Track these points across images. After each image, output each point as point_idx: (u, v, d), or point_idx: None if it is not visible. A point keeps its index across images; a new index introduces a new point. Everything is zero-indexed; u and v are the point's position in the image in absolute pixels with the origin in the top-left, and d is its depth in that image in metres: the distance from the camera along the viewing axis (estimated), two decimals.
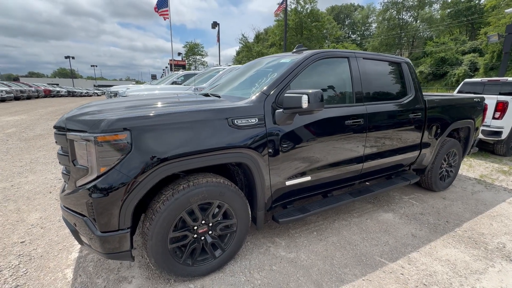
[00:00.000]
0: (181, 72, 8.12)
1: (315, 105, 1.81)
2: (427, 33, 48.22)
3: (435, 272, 2.06)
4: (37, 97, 25.37)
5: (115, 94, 5.98)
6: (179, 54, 38.12)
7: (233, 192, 1.89)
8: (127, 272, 1.98)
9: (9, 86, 21.09)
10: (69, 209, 1.66)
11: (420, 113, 2.95)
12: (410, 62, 3.12)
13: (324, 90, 2.39)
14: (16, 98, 21.09)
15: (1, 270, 1.96)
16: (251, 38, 51.00)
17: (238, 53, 54.12)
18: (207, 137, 1.70)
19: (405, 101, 2.88)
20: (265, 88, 2.07)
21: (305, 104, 1.80)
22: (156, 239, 1.66)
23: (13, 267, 2.01)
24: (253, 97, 2.02)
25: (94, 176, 1.50)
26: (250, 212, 2.04)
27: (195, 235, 1.85)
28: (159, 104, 1.96)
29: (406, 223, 2.79)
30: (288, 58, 2.42)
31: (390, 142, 2.79)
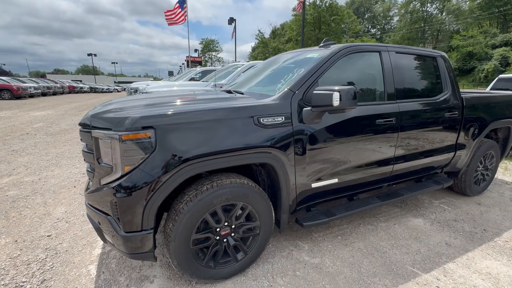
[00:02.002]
0: (199, 69, 8.14)
1: (347, 103, 1.68)
2: (454, 26, 45.59)
3: (475, 286, 1.89)
4: (62, 93, 26.56)
5: (135, 91, 6.09)
6: (196, 50, 38.53)
7: (257, 193, 1.81)
8: (149, 271, 1.97)
9: (37, 83, 22.21)
10: (94, 207, 1.65)
11: (456, 112, 2.73)
12: (446, 56, 2.89)
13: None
14: (43, 94, 22.16)
15: (30, 264, 2.01)
16: (267, 33, 50.55)
17: (253, 49, 53.89)
18: (231, 136, 1.62)
19: (441, 99, 2.66)
20: (291, 85, 1.96)
21: (336, 102, 1.68)
22: (179, 240, 1.62)
23: (40, 260, 2.05)
24: (280, 95, 1.92)
25: (119, 175, 1.46)
26: (274, 214, 1.96)
27: (218, 237, 1.80)
28: (182, 102, 1.91)
29: (439, 230, 2.60)
30: (315, 53, 2.29)
31: (423, 143, 2.60)
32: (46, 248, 2.20)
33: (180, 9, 14.68)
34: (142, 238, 1.54)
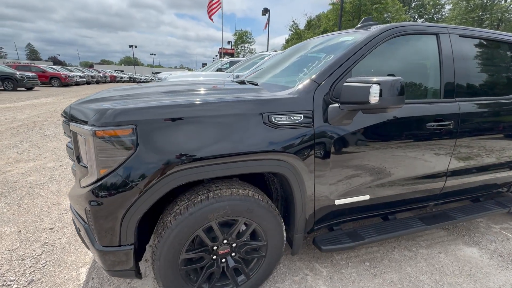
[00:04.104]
0: (226, 59, 7.88)
1: (390, 100, 1.23)
2: None
3: None
4: (104, 82, 28.46)
5: (159, 79, 6.04)
6: (229, 42, 38.57)
7: (264, 209, 1.47)
8: (139, 283, 1.74)
9: (82, 72, 24.04)
10: (74, 211, 1.44)
11: None
12: None
13: None
14: (88, 83, 23.93)
15: (24, 259, 1.91)
16: (302, 25, 48.76)
17: (287, 41, 52.46)
18: (231, 138, 1.28)
19: None
20: (316, 74, 1.55)
21: (374, 99, 1.24)
22: (165, 259, 1.34)
23: (35, 257, 1.94)
24: (299, 87, 1.52)
25: (94, 178, 1.22)
26: (285, 234, 1.60)
27: (214, 257, 1.50)
28: (181, 93, 1.61)
29: (502, 267, 2.03)
30: (350, 36, 1.83)
31: (488, 154, 2.01)
32: (45, 243, 2.10)
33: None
34: (121, 254, 1.30)
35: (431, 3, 57.89)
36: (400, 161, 1.71)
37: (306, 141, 1.42)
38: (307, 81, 1.53)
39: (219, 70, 7.38)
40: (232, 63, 7.47)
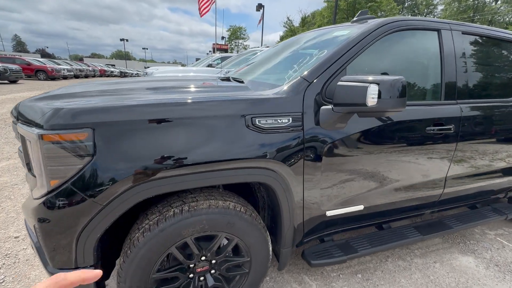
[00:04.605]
0: (217, 55, 7.65)
1: (390, 102, 1.08)
2: (510, 16, 40.28)
3: None
4: (94, 76, 27.64)
5: (146, 74, 5.79)
6: (223, 38, 38.04)
7: (247, 222, 1.31)
8: None
9: (70, 66, 23.27)
10: (28, 225, 1.25)
11: None
12: None
13: None
14: (76, 76, 23.17)
15: None
16: (296, 22, 48.52)
17: (281, 38, 52.18)
18: (205, 144, 1.11)
19: None
20: (307, 72, 1.39)
21: (372, 100, 1.09)
22: (131, 281, 1.17)
23: None
24: (288, 86, 1.36)
25: (44, 191, 1.03)
26: (270, 249, 1.45)
27: (192, 275, 1.33)
28: (154, 90, 1.42)
29: (498, 278, 1.93)
30: (344, 30, 1.68)
31: (490, 160, 1.90)
32: (7, 254, 1.89)
33: None
34: None
35: (424, 3, 58.44)
36: (398, 168, 1.57)
37: (294, 147, 1.26)
38: (297, 79, 1.37)
39: (210, 65, 7.15)
40: (223, 59, 7.25)
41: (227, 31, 52.80)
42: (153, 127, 1.05)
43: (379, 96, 1.09)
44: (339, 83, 1.24)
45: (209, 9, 14.60)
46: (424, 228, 1.94)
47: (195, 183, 1.13)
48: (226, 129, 1.14)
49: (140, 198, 1.05)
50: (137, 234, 1.17)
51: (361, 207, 1.56)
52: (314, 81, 1.35)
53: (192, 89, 1.51)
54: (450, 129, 1.62)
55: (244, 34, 52.26)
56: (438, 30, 1.68)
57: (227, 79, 1.98)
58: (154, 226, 1.15)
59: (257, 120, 1.19)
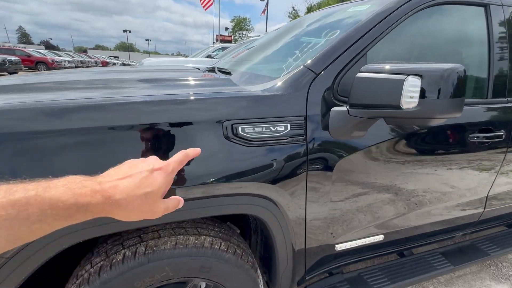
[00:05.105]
0: (217, 45, 7.23)
1: (440, 105, 0.71)
2: None
3: None
4: (96, 67, 27.45)
5: (141, 64, 5.45)
6: (226, 29, 37.28)
7: (229, 263, 0.96)
8: None
9: (72, 57, 23.06)
10: None
11: None
12: None
13: None
14: (77, 68, 22.96)
15: None
16: (302, 12, 47.24)
17: None
18: None
19: None
20: (311, 60, 1.01)
21: (411, 101, 0.72)
22: None
23: None
24: (286, 79, 0.99)
25: None
26: None
27: None
28: (108, 86, 1.07)
29: None
30: (363, 5, 1.29)
31: None
32: None
33: None
34: None
35: None
36: (430, 189, 1.21)
37: (294, 165, 0.90)
38: (298, 70, 1.00)
39: (209, 56, 6.74)
40: (223, 49, 6.83)
41: (231, 22, 51.83)
42: (90, 140, 0.70)
43: (422, 95, 0.72)
44: (358, 74, 0.86)
45: (212, 2, 14.13)
46: (454, 254, 1.58)
47: (140, 223, 0.79)
48: (194, 142, 0.78)
49: (59, 247, 0.71)
50: (72, 287, 0.84)
51: (380, 237, 1.21)
52: (322, 72, 0.98)
53: (151, 84, 1.14)
54: (500, 134, 1.24)
55: (248, 25, 51.26)
56: (485, 6, 1.28)
57: (212, 70, 1.61)
58: (94, 277, 0.82)
59: (240, 128, 0.83)
